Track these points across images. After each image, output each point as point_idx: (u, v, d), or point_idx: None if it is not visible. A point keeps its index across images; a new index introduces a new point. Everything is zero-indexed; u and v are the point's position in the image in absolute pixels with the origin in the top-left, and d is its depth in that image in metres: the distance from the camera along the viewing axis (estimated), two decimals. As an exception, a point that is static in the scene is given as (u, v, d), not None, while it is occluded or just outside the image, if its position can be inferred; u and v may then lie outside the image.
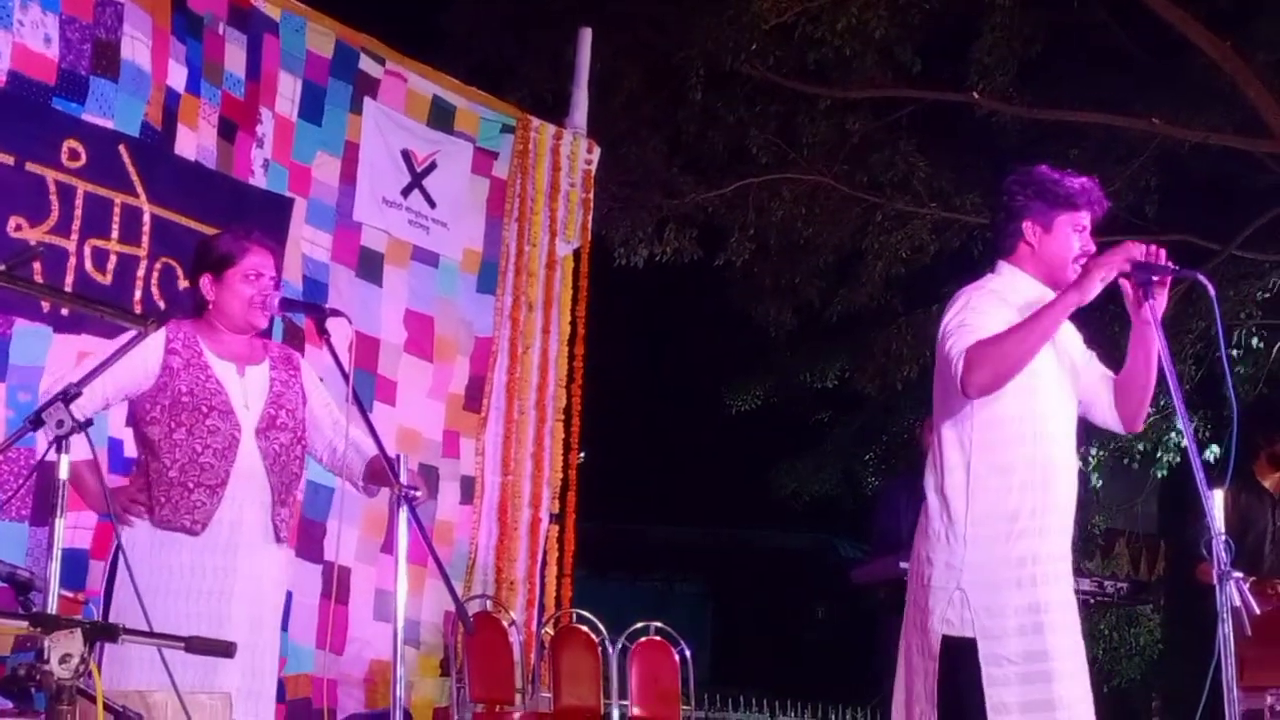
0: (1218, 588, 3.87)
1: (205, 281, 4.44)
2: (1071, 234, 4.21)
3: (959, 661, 4.05)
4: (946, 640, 4.07)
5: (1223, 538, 3.93)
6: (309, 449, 4.64)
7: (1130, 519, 13.61)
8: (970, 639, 4.04)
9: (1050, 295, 4.20)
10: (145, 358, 4.27)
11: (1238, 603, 3.87)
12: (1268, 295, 11.27)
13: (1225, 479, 6.78)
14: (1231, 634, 3.88)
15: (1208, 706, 4.06)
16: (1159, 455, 12.13)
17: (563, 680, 7.29)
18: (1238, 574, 3.90)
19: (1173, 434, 11.60)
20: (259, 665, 4.42)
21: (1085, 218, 4.22)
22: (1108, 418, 4.39)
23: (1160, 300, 4.15)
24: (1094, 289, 3.96)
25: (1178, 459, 11.64)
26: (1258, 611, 3.92)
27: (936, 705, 4.07)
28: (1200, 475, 4.01)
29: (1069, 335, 4.35)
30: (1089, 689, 4.14)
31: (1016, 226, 4.24)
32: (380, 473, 4.40)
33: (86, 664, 2.71)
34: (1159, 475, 12.50)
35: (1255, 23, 10.88)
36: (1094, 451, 12.06)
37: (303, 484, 6.46)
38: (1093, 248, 4.22)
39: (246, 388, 4.43)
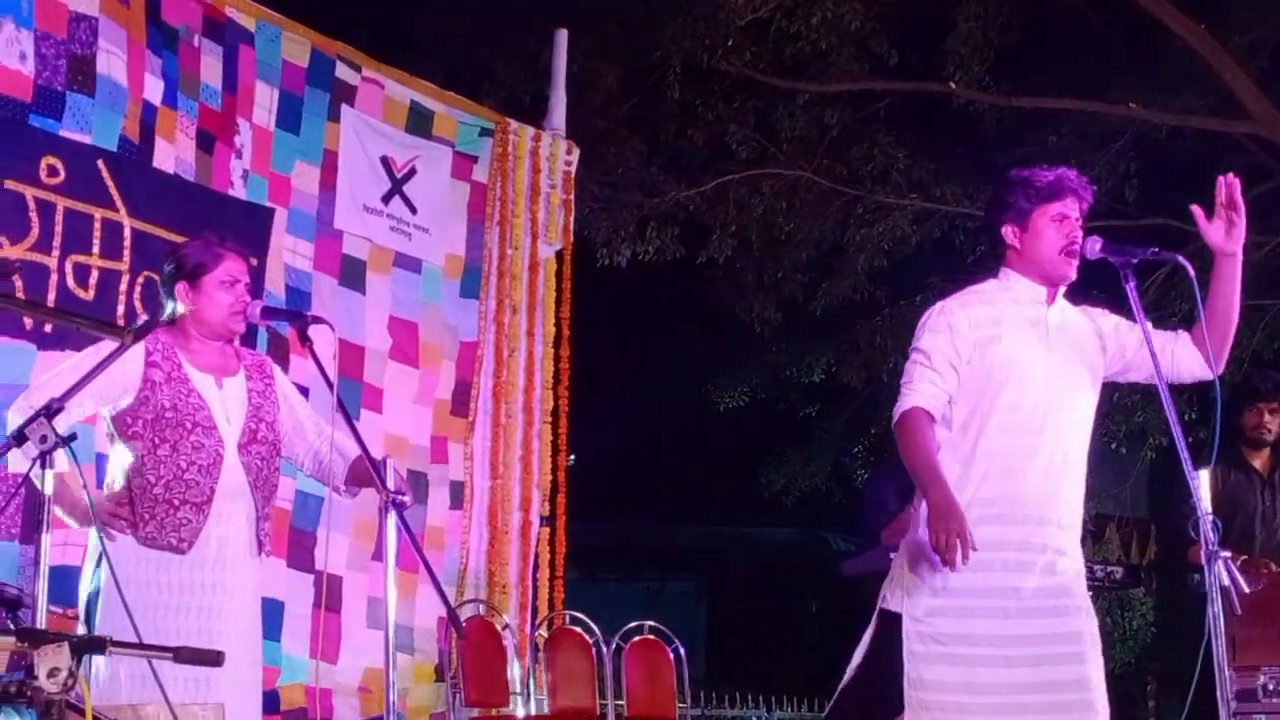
0: (1206, 568, 3.88)
1: (181, 289, 4.42)
2: (1051, 226, 4.23)
3: (888, 632, 4.20)
4: (882, 612, 4.25)
5: (1210, 518, 3.94)
6: (291, 456, 4.63)
7: (1120, 503, 13.63)
8: (895, 613, 4.19)
9: (1043, 292, 4.24)
10: (125, 370, 4.24)
11: (1227, 582, 3.88)
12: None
13: (1211, 460, 6.80)
14: (1222, 614, 3.89)
15: (1201, 687, 4.07)
16: (1147, 438, 12.18)
17: (558, 682, 7.29)
18: (1226, 553, 3.92)
19: (1158, 416, 11.62)
20: (248, 678, 4.43)
21: (1066, 206, 4.24)
22: (1183, 371, 4.36)
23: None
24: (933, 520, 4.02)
25: (1165, 441, 11.66)
26: (1247, 590, 3.94)
27: (857, 668, 4.27)
28: (1186, 456, 4.03)
29: (1083, 325, 4.35)
30: (1053, 677, 4.12)
31: (998, 233, 4.30)
32: (364, 474, 4.38)
33: (75, 678, 2.70)
34: (1149, 458, 12.53)
35: (1229, 6, 10.92)
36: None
37: (291, 493, 6.49)
38: (1079, 235, 4.23)
39: (226, 401, 4.42)
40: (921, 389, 4.19)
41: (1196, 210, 4.17)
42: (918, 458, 4.10)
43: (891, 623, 4.19)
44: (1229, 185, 4.14)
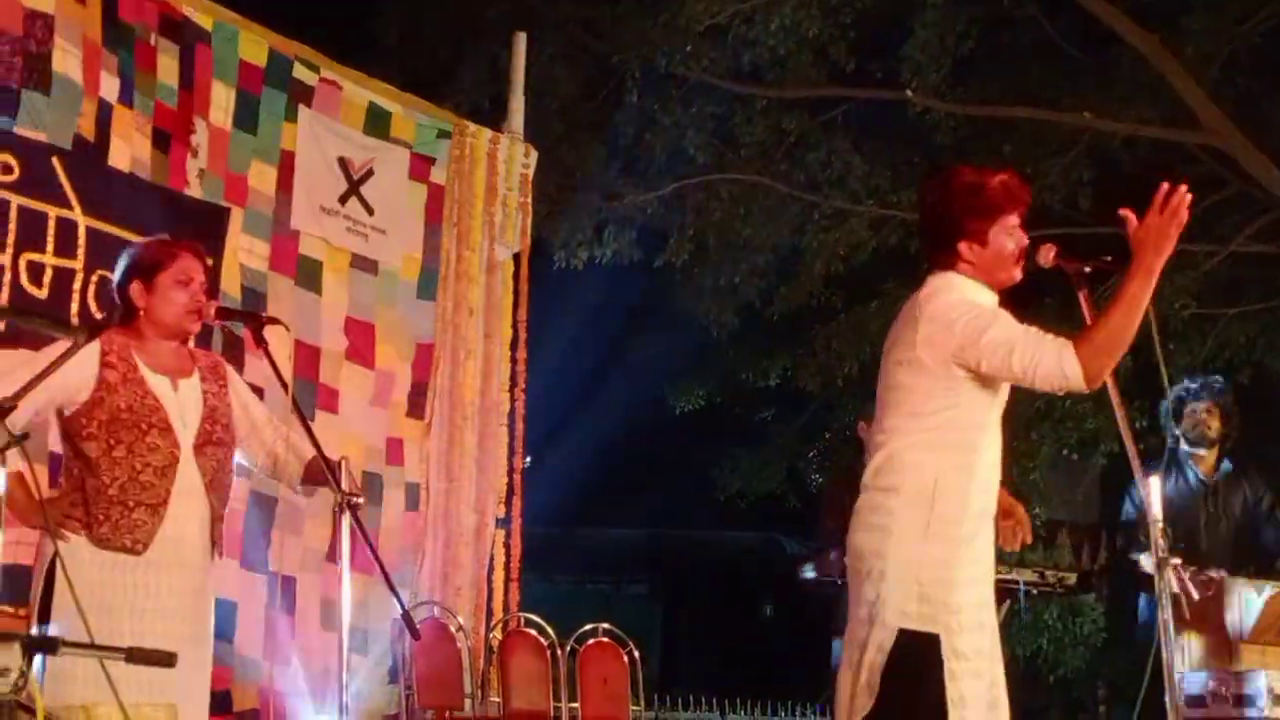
0: (1155, 575, 3.92)
1: (136, 289, 4.40)
2: (1005, 237, 4.20)
3: (915, 654, 4.03)
4: (904, 633, 4.05)
5: (1160, 524, 3.98)
6: (246, 457, 4.62)
7: (1071, 509, 13.70)
8: (930, 634, 4.03)
9: (993, 296, 4.21)
10: (80, 369, 4.23)
11: (1176, 588, 3.92)
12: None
13: (1161, 466, 6.86)
14: (1172, 620, 3.92)
15: (1150, 692, 4.11)
16: (1099, 445, 12.24)
17: (512, 684, 7.28)
18: (1176, 560, 3.95)
19: (1110, 423, 11.69)
20: (199, 680, 4.42)
21: (1015, 216, 4.22)
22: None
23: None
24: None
25: (1116, 448, 11.74)
26: (1196, 597, 3.98)
27: (876, 696, 4.05)
28: (1136, 463, 4.06)
29: None
30: (995, 674, 4.16)
31: (952, 246, 4.21)
32: (319, 475, 4.38)
33: (25, 678, 2.68)
34: (1101, 464, 12.60)
35: (1183, 16, 11.01)
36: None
37: (245, 493, 6.46)
38: (1025, 240, 4.23)
39: (181, 403, 4.41)
40: (1042, 341, 3.98)
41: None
42: (1125, 311, 3.91)
43: (916, 642, 4.04)
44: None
